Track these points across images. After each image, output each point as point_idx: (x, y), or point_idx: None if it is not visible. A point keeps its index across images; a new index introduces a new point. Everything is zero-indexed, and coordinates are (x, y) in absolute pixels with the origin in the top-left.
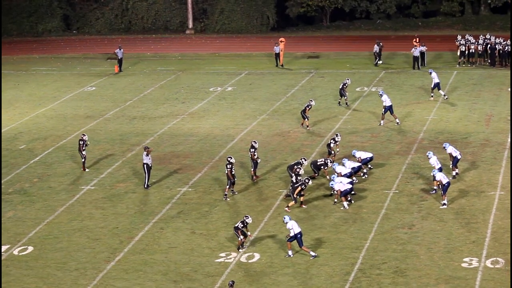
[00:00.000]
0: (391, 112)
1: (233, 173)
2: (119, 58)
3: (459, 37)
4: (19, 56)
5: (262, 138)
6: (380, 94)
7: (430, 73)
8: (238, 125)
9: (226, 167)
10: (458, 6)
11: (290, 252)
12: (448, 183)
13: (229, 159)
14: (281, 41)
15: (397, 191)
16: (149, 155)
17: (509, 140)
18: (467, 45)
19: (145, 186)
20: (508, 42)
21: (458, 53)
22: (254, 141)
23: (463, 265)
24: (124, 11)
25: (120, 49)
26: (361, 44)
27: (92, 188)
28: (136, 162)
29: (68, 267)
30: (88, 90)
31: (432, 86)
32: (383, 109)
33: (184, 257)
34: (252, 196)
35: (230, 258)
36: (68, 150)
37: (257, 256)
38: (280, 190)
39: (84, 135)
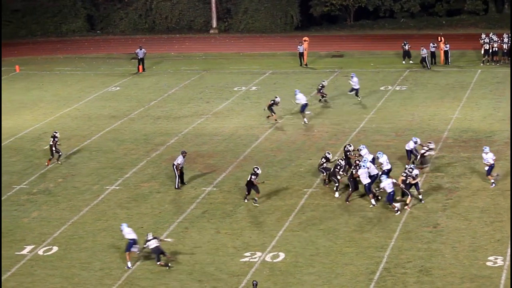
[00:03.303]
0: (302, 111)
1: (252, 181)
2: (140, 58)
3: (483, 36)
4: (43, 57)
5: (287, 137)
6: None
7: (352, 77)
8: (262, 124)
9: (251, 176)
10: (482, 4)
11: (129, 264)
12: (393, 192)
13: (255, 169)
14: (304, 40)
15: (421, 190)
16: (184, 158)
17: (510, 139)
18: (490, 43)
19: (177, 187)
20: None
21: (482, 52)
22: (328, 152)
23: (488, 263)
24: (148, 11)
25: (140, 49)
26: (385, 43)
27: (117, 188)
28: (161, 162)
29: (93, 267)
30: (113, 90)
31: (350, 90)
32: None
33: (209, 256)
34: (276, 195)
35: (255, 258)
36: (93, 150)
37: (282, 255)
38: (305, 190)
39: (56, 132)
